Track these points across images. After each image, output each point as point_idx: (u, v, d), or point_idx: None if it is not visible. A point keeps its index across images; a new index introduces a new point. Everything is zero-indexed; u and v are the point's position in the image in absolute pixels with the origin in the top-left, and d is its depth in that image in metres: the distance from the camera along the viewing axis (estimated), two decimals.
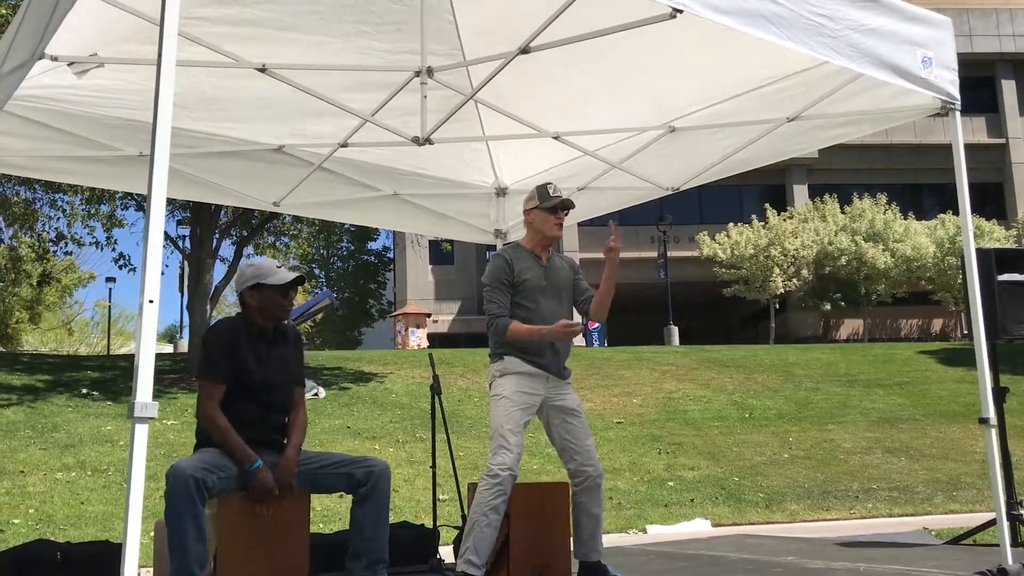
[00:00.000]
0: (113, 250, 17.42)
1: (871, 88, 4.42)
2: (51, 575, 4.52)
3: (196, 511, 3.39)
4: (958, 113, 4.31)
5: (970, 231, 4.35)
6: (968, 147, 4.41)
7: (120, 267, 17.37)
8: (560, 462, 4.22)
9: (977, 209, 26.13)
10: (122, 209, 17.17)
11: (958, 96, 4.28)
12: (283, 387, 3.92)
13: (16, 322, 30.36)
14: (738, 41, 4.01)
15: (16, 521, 8.40)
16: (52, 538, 6.69)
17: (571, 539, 4.24)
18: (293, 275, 3.86)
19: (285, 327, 4.01)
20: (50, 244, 18.21)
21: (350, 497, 3.85)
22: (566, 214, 4.38)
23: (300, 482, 3.79)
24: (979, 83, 33.57)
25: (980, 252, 5.20)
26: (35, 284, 23.18)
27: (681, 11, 3.20)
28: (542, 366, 4.10)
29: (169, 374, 15.81)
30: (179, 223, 20.77)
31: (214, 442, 3.68)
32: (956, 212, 28.60)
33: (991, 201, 31.84)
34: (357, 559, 3.71)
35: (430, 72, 4.71)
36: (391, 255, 39.41)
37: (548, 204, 4.30)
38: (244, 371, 3.75)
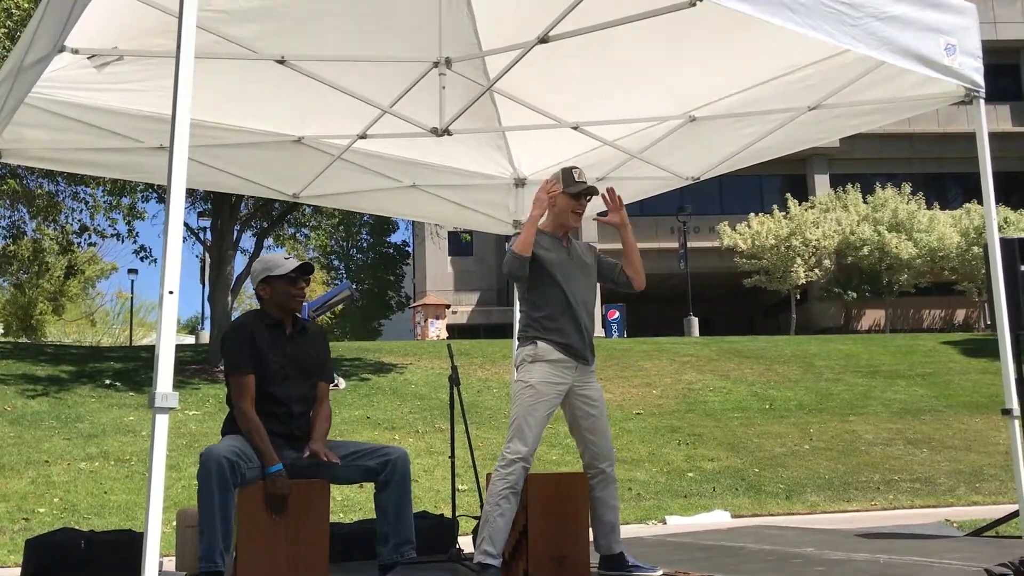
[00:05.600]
0: (134, 242, 17.52)
1: (893, 76, 4.37)
2: (75, 563, 4.57)
3: (227, 495, 3.46)
4: (982, 101, 4.25)
5: (994, 220, 4.30)
6: (993, 135, 4.35)
7: (142, 259, 17.50)
8: (578, 452, 4.22)
9: (1002, 198, 25.83)
10: (143, 201, 17.30)
11: (982, 84, 4.23)
12: (301, 380, 3.91)
13: (40, 313, 30.71)
14: (757, 30, 3.99)
15: (41, 510, 8.51)
16: (76, 527, 6.78)
17: (589, 530, 4.24)
18: (297, 263, 3.89)
19: (305, 323, 4.02)
20: (73, 236, 18.36)
21: (371, 486, 3.89)
22: (588, 200, 4.26)
23: (322, 474, 3.83)
24: (1004, 70, 33.15)
25: (1004, 241, 5.14)
26: (61, 276, 23.40)
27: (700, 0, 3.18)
28: (572, 352, 4.04)
29: (190, 365, 15.93)
30: (200, 215, 20.90)
31: (243, 435, 3.73)
32: (981, 201, 28.26)
33: (1017, 190, 31.44)
34: (384, 542, 3.79)
35: (448, 63, 4.71)
36: (410, 248, 39.51)
37: (572, 190, 4.17)
38: (262, 364, 3.79)
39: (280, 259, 3.93)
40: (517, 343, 4.25)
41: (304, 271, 3.92)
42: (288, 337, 3.91)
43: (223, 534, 3.47)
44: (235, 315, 18.22)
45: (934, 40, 4.00)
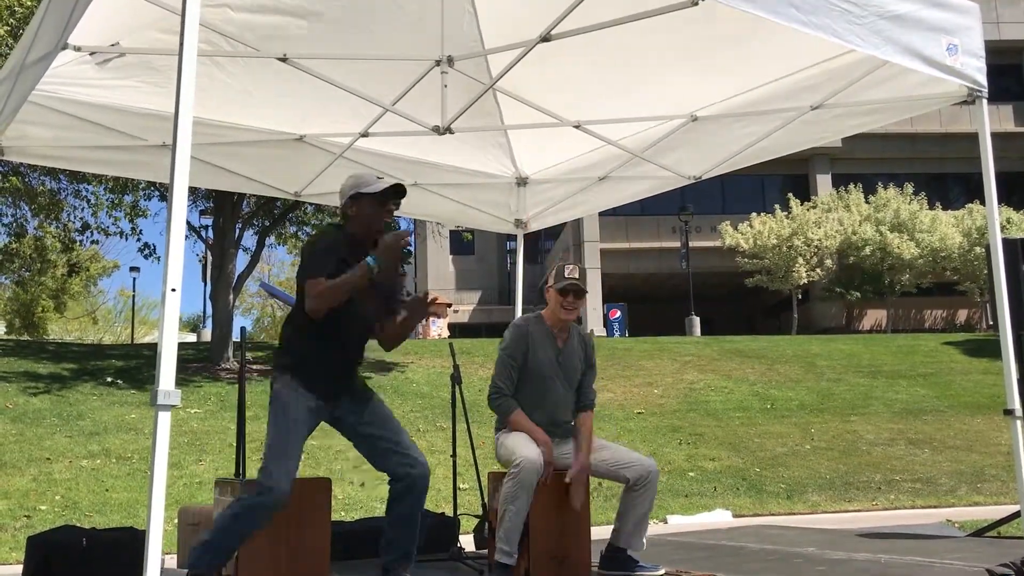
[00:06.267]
0: (138, 239, 17.53)
1: (895, 76, 4.37)
2: (77, 560, 4.57)
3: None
4: (985, 101, 4.25)
5: (996, 220, 4.30)
6: (995, 136, 4.35)
7: (146, 256, 17.52)
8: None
9: (1004, 199, 25.80)
10: (145, 199, 17.29)
11: (985, 83, 4.22)
12: (373, 309, 3.66)
13: (42, 311, 30.72)
14: (760, 29, 3.99)
15: (43, 507, 8.51)
16: (78, 524, 6.78)
17: (591, 528, 4.26)
18: (390, 182, 3.62)
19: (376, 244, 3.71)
20: (75, 234, 18.36)
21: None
22: (576, 299, 4.22)
23: (361, 432, 3.66)
24: (1006, 70, 33.10)
25: (1007, 242, 5.14)
26: (65, 273, 23.42)
27: None
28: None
29: (192, 363, 15.94)
30: (202, 213, 20.90)
31: (336, 296, 3.37)
32: (983, 202, 28.29)
33: (1019, 190, 31.39)
34: (387, 550, 3.69)
35: (450, 61, 4.71)
36: (412, 247, 39.48)
37: (557, 285, 4.20)
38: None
39: (372, 177, 3.69)
40: None
41: (396, 193, 3.62)
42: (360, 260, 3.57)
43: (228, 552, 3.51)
44: (237, 313, 18.23)
45: (936, 40, 4.00)
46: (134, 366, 15.73)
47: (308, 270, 3.43)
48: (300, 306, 3.49)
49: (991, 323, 29.76)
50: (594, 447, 4.24)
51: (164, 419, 2.40)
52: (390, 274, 3.51)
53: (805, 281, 29.32)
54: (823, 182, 33.90)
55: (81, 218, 18.02)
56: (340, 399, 3.61)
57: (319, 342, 3.52)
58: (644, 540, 4.21)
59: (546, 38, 4.13)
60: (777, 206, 30.54)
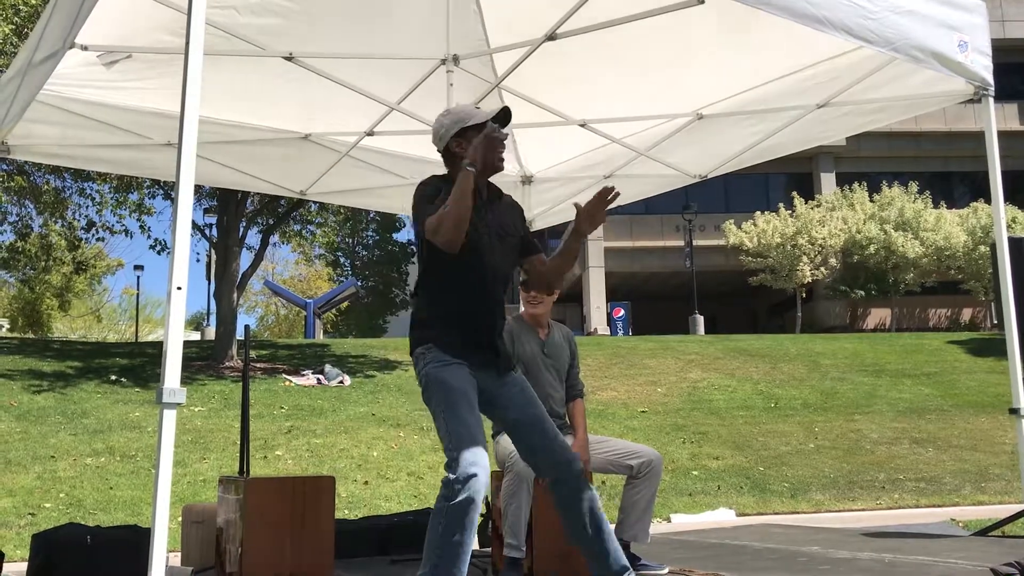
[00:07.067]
0: (148, 236, 17.59)
1: (902, 74, 4.36)
2: (81, 558, 4.58)
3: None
4: (991, 99, 4.24)
5: (1002, 219, 4.30)
6: (1000, 134, 4.35)
7: (158, 252, 17.61)
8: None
9: (1009, 197, 25.72)
10: (150, 198, 17.33)
11: (992, 82, 4.21)
12: (506, 258, 3.26)
13: (47, 309, 30.78)
14: (766, 27, 3.98)
15: (47, 505, 8.53)
16: (82, 522, 6.80)
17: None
18: (495, 110, 3.23)
19: (500, 192, 3.37)
20: (81, 231, 18.40)
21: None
22: (537, 292, 4.27)
23: (515, 418, 3.21)
24: (1012, 69, 33.00)
25: (1012, 241, 5.12)
26: (72, 271, 23.45)
27: None
28: None
29: (196, 361, 15.96)
30: (206, 211, 20.93)
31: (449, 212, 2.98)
32: (987, 200, 28.37)
33: (1023, 189, 31.35)
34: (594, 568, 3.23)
35: (456, 60, 4.71)
36: (416, 246, 39.50)
37: (519, 279, 4.23)
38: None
39: (472, 108, 3.31)
40: None
41: (504, 119, 3.22)
42: (485, 201, 3.24)
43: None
44: (240, 312, 18.24)
45: (948, 36, 3.97)
46: (138, 364, 15.75)
47: (421, 215, 3.10)
48: (425, 271, 3.22)
49: (995, 322, 29.68)
50: (596, 441, 4.30)
51: (170, 417, 2.40)
52: (490, 166, 3.15)
53: (809, 280, 29.28)
54: (827, 180, 33.85)
55: (86, 216, 18.07)
56: (485, 369, 3.17)
57: (455, 302, 3.16)
58: (648, 533, 4.21)
59: (552, 36, 4.13)
60: (781, 205, 30.51)
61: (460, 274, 3.14)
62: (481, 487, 2.83)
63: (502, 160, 3.18)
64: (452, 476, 2.84)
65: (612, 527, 3.25)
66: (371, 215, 28.59)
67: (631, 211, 30.00)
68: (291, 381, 14.66)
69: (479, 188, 3.16)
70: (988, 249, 25.46)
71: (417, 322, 3.22)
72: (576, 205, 3.22)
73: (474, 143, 3.10)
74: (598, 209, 3.16)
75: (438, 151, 3.36)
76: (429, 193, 3.16)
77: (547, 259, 3.36)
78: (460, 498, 2.80)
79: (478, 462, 2.85)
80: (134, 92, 4.78)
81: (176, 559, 5.01)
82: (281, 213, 17.45)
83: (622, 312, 31.03)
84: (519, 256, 3.35)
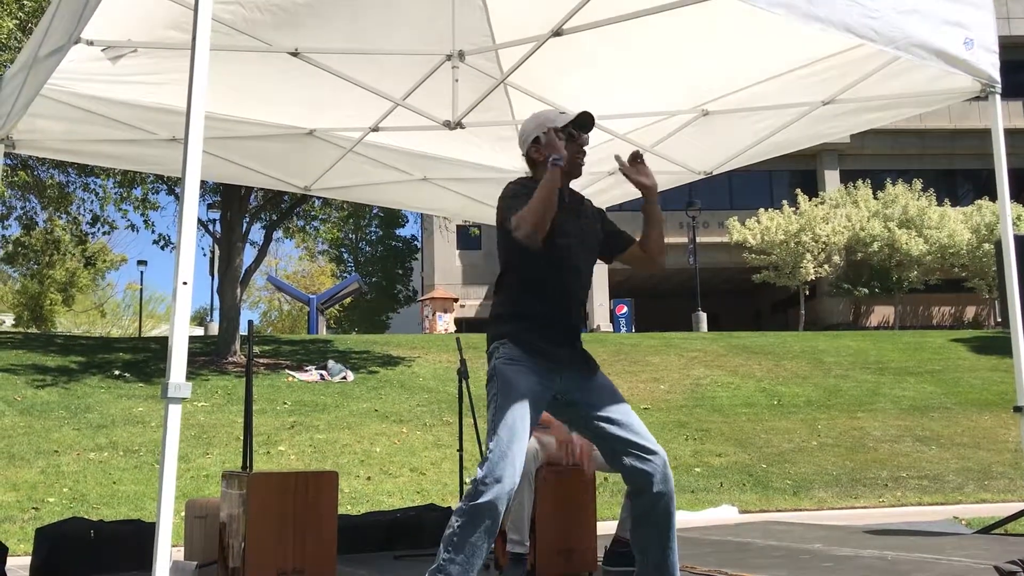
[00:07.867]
0: (152, 231, 17.63)
1: (909, 71, 4.34)
2: (85, 552, 4.60)
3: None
4: (998, 97, 4.22)
5: (1008, 216, 4.28)
6: (1005, 132, 4.33)
7: (161, 248, 17.62)
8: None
9: (1014, 195, 25.66)
10: (153, 193, 17.34)
11: (999, 79, 4.19)
12: (586, 260, 3.25)
13: (50, 304, 30.84)
14: (771, 24, 3.96)
15: (51, 500, 8.55)
16: (86, 516, 6.81)
17: (597, 523, 4.27)
18: (576, 113, 3.23)
19: (581, 197, 3.39)
20: (86, 226, 18.43)
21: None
22: None
23: (590, 417, 3.08)
24: (1017, 67, 32.90)
25: (1018, 238, 5.12)
26: (81, 265, 23.53)
27: None
28: None
29: (200, 356, 15.98)
30: (209, 207, 20.95)
31: (536, 208, 2.98)
32: (992, 198, 28.35)
33: None
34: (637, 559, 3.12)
35: (461, 56, 4.70)
36: (419, 242, 39.54)
37: None
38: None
39: (555, 113, 3.32)
40: None
41: (584, 125, 3.25)
42: (567, 204, 3.22)
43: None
44: (244, 307, 18.21)
45: (954, 34, 3.95)
46: (142, 359, 15.78)
47: (506, 211, 3.12)
48: (505, 269, 3.23)
49: (999, 320, 29.68)
50: None
51: (175, 411, 2.40)
52: (576, 160, 3.24)
53: (812, 277, 29.27)
54: (831, 178, 33.82)
55: (91, 210, 18.10)
56: (565, 370, 3.09)
57: (534, 302, 3.13)
58: None
59: (558, 32, 4.12)
60: (785, 202, 30.49)
61: (540, 274, 3.14)
62: (504, 493, 2.81)
63: (582, 164, 3.27)
64: (480, 475, 2.84)
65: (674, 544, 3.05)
66: (374, 211, 28.59)
67: (635, 208, 29.68)
68: (294, 377, 14.67)
69: (560, 192, 3.14)
70: (992, 247, 25.41)
71: (495, 317, 3.20)
72: (617, 158, 3.33)
73: (550, 140, 3.16)
74: (638, 166, 3.33)
75: (522, 155, 3.40)
76: (509, 195, 3.20)
77: (640, 240, 3.37)
78: (482, 500, 2.79)
79: (509, 468, 2.83)
80: (139, 87, 4.78)
81: (179, 554, 5.02)
82: (285, 209, 17.45)
83: (625, 309, 31.01)
84: (617, 254, 3.39)
